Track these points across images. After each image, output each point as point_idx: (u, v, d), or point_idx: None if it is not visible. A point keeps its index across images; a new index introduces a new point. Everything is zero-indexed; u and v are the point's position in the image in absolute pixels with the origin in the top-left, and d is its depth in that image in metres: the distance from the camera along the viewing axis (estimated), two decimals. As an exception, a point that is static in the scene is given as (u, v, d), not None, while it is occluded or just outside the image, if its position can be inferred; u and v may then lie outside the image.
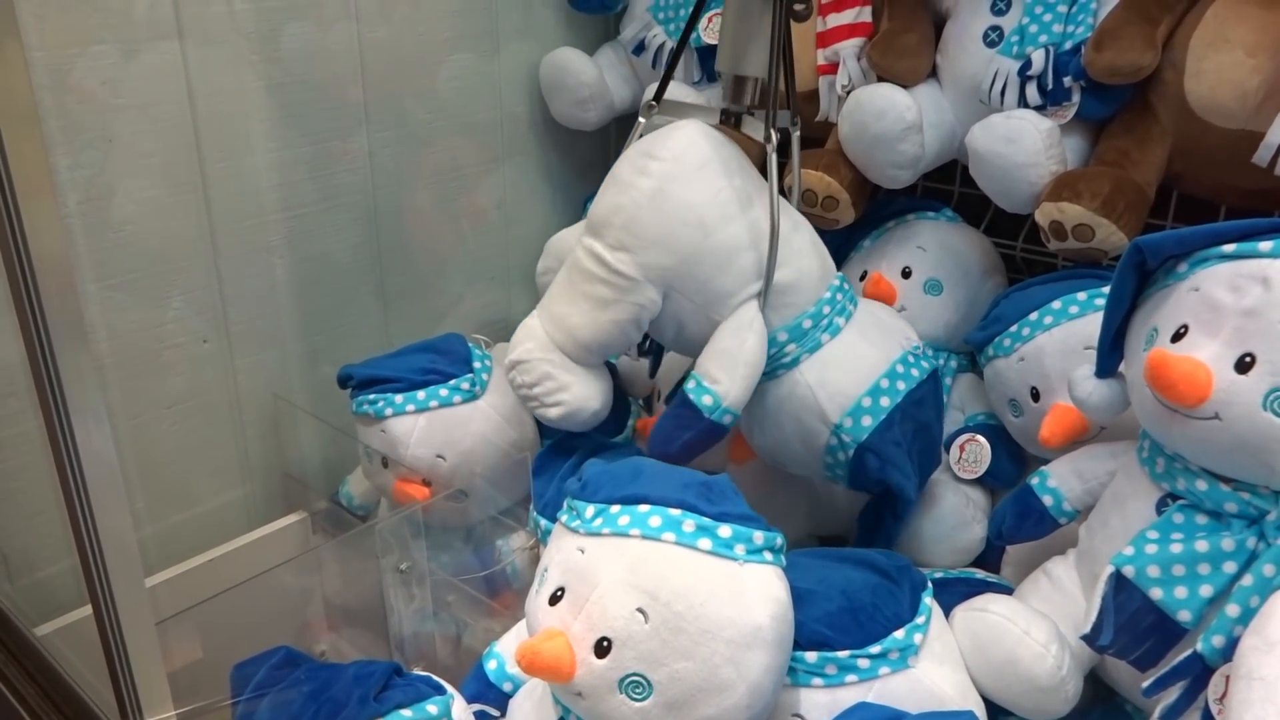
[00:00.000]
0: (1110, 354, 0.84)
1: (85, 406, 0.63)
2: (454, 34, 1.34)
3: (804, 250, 0.98)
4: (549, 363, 0.96)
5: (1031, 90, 1.07)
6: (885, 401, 0.97)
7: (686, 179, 0.93)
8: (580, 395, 0.97)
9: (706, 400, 0.92)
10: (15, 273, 0.60)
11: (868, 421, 0.96)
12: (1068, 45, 1.05)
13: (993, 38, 1.11)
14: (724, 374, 0.92)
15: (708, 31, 1.31)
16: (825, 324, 0.98)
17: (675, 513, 0.71)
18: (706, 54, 1.34)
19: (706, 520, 0.70)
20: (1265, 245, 0.73)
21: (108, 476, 0.64)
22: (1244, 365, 0.71)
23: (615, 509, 0.72)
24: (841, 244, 1.30)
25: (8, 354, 1.02)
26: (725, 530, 0.70)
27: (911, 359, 1.00)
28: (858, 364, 0.98)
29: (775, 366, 0.97)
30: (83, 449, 0.64)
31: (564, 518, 0.77)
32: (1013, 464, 1.10)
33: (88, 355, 0.63)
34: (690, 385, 0.94)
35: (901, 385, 0.98)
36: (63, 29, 1.00)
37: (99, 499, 0.65)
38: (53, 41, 0.99)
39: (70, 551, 1.09)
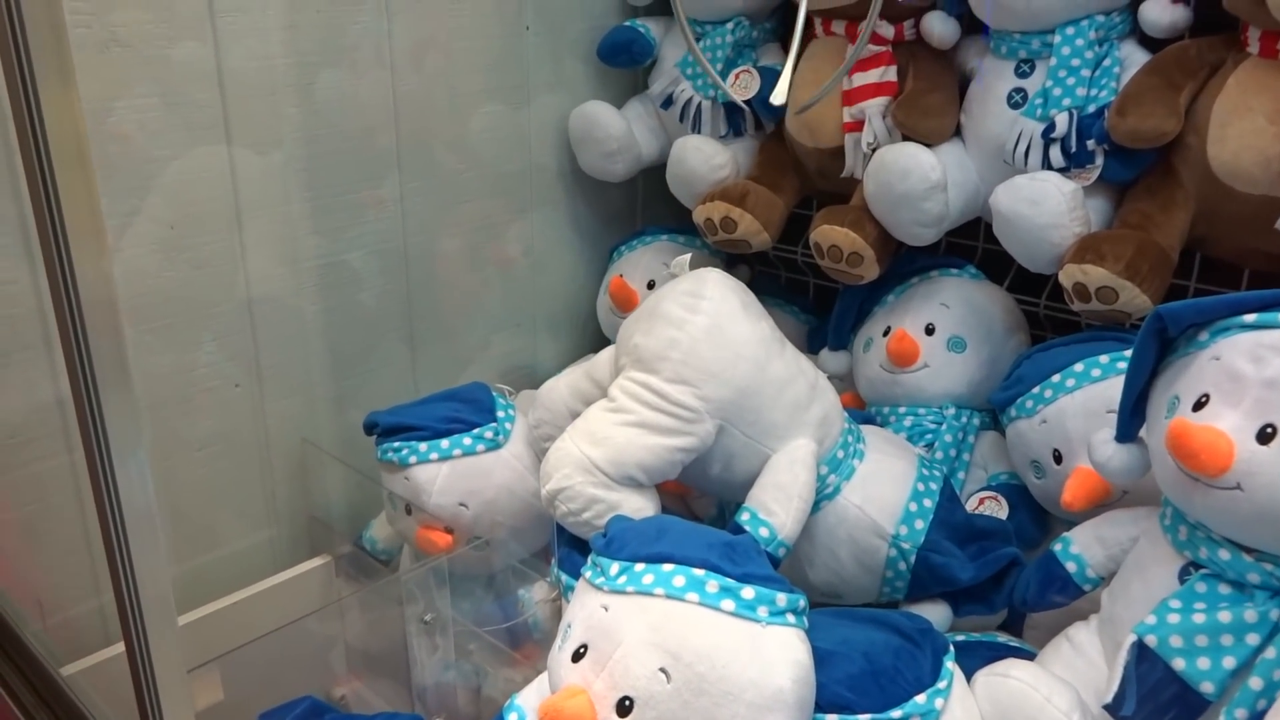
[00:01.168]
0: (1131, 419, 0.85)
1: (127, 448, 0.64)
2: (485, 86, 1.37)
3: (826, 388, 1.05)
4: (593, 484, 0.95)
5: (1055, 152, 1.08)
6: (928, 503, 1.02)
7: (736, 316, 0.98)
8: (635, 508, 0.96)
9: (763, 533, 0.94)
10: (64, 315, 0.61)
11: (920, 525, 1.01)
12: (1091, 109, 1.07)
13: (1017, 99, 1.13)
14: (779, 507, 0.95)
15: (734, 88, 1.34)
16: (853, 451, 1.04)
17: (699, 573, 0.71)
18: (733, 109, 1.37)
19: (730, 581, 0.71)
20: (1287, 316, 0.73)
21: (146, 519, 0.65)
22: (1266, 436, 0.71)
23: (640, 567, 0.73)
24: (866, 299, 1.31)
25: (43, 396, 1.05)
26: (749, 592, 0.71)
27: (927, 463, 1.07)
28: (893, 477, 1.03)
29: (819, 499, 1.01)
30: (123, 491, 0.65)
31: (588, 574, 0.77)
32: (1036, 526, 1.10)
33: (131, 398, 0.64)
34: (745, 518, 0.96)
35: (934, 486, 1.04)
36: (105, 76, 1.02)
37: (137, 541, 0.65)
38: (94, 89, 1.02)
39: (96, 592, 1.12)
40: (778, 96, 1.02)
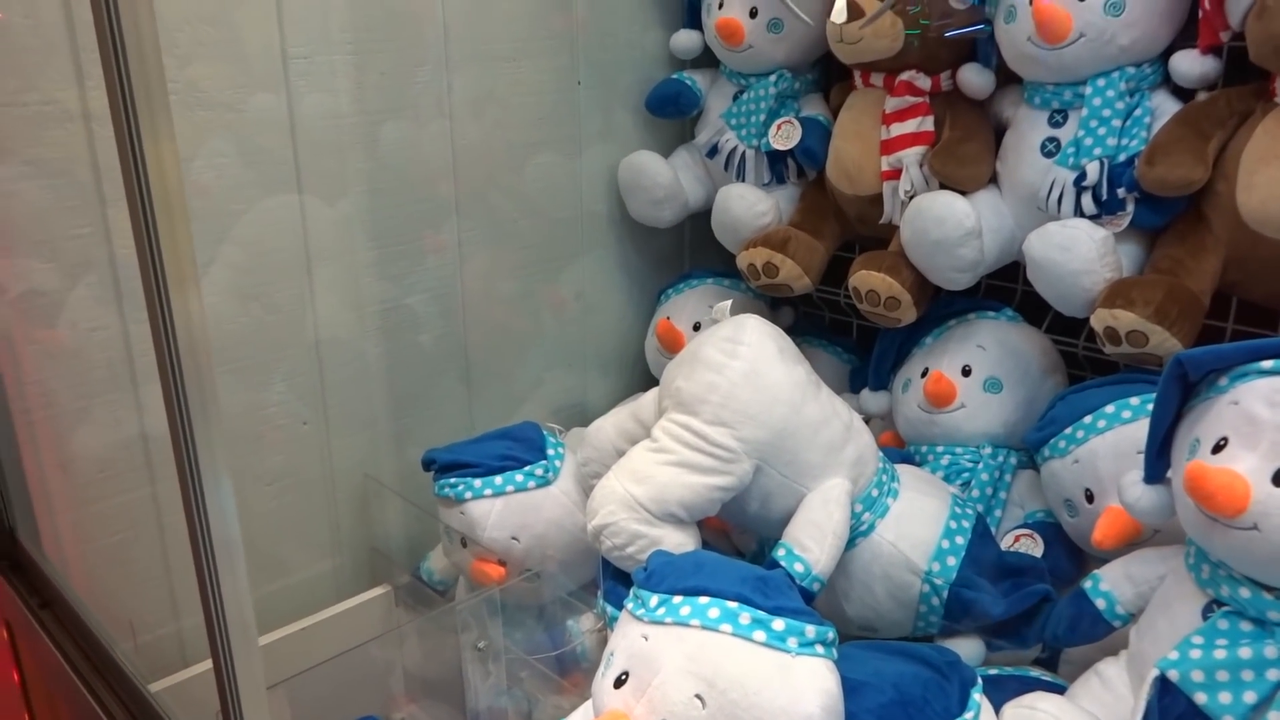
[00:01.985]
0: (1158, 461, 0.87)
1: (215, 477, 0.70)
2: (540, 137, 1.44)
3: (861, 429, 1.08)
4: (636, 520, 0.99)
5: (1087, 200, 1.11)
6: (960, 540, 1.05)
7: (773, 361, 1.03)
8: (676, 543, 1.00)
9: (798, 568, 0.98)
10: (163, 354, 0.67)
11: (952, 561, 1.04)
12: (1122, 158, 1.10)
13: (1050, 148, 1.16)
14: (814, 543, 0.99)
15: (776, 138, 1.39)
16: (887, 490, 1.08)
17: (733, 605, 0.76)
18: (775, 158, 1.42)
19: (762, 613, 0.75)
20: (1303, 363, 0.76)
21: (232, 544, 0.71)
22: (1281, 479, 0.74)
23: (677, 599, 0.78)
24: (905, 341, 1.35)
25: (128, 432, 1.13)
26: (779, 623, 0.75)
27: (960, 501, 1.10)
28: (926, 514, 1.07)
29: (854, 536, 1.05)
30: (212, 516, 0.71)
31: (630, 605, 0.82)
32: (1070, 562, 1.13)
33: (220, 430, 0.70)
34: (781, 554, 1.00)
35: (966, 523, 1.07)
36: (185, 131, 1.10)
37: (224, 563, 0.71)
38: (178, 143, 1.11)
39: (175, 616, 1.19)
40: (838, 15, 1.06)
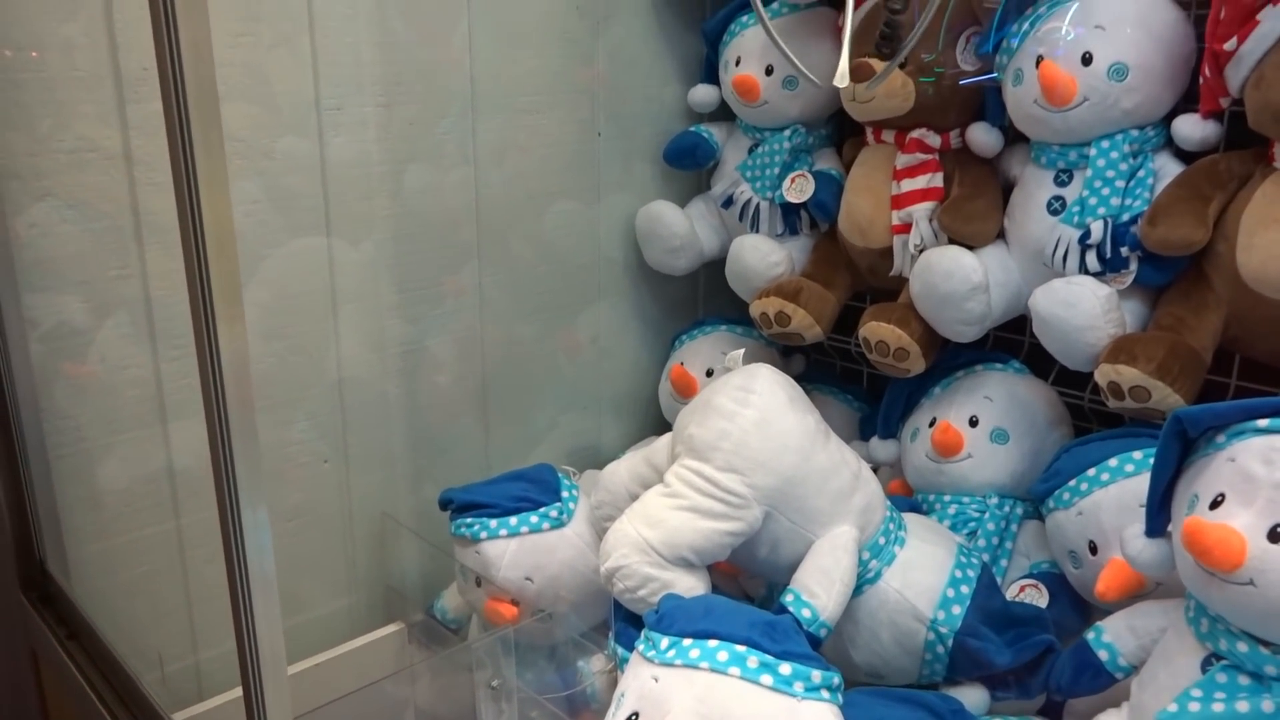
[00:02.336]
0: (1158, 515, 0.89)
1: (254, 508, 0.72)
2: (560, 185, 1.48)
3: (869, 478, 1.11)
4: (648, 563, 1.02)
5: (1091, 258, 1.14)
6: (965, 589, 1.07)
7: (783, 410, 1.05)
8: (686, 587, 1.02)
9: (805, 613, 1.00)
10: (209, 388, 0.70)
11: (958, 610, 1.06)
12: (1125, 217, 1.13)
13: (1055, 206, 1.19)
14: (821, 590, 1.01)
15: (790, 191, 1.43)
16: (894, 538, 1.10)
17: (741, 649, 0.78)
18: (789, 210, 1.46)
19: (769, 657, 0.78)
20: (1297, 422, 0.78)
21: (267, 575, 0.73)
22: (1276, 536, 0.76)
23: (687, 642, 0.80)
24: (914, 391, 1.37)
25: (155, 467, 1.16)
26: (786, 668, 0.77)
27: (966, 550, 1.12)
28: (932, 563, 1.09)
29: (861, 583, 1.07)
30: (249, 548, 0.73)
31: (641, 647, 0.84)
32: (1075, 614, 1.14)
33: (259, 465, 0.73)
34: (789, 599, 1.02)
35: (972, 573, 1.09)
36: None
37: (259, 593, 0.73)
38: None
39: (194, 650, 1.21)
40: (840, 80, 1.08)
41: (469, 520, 1.22)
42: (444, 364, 1.40)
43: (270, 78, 1.17)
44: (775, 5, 1.41)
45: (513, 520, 1.20)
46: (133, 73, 1.07)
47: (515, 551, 1.19)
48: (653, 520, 1.03)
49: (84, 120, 1.05)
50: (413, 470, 1.39)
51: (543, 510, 1.21)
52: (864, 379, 1.60)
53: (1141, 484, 1.03)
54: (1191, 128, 1.12)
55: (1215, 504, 0.81)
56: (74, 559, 1.13)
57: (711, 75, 1.53)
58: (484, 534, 1.20)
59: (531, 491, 1.23)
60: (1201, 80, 1.09)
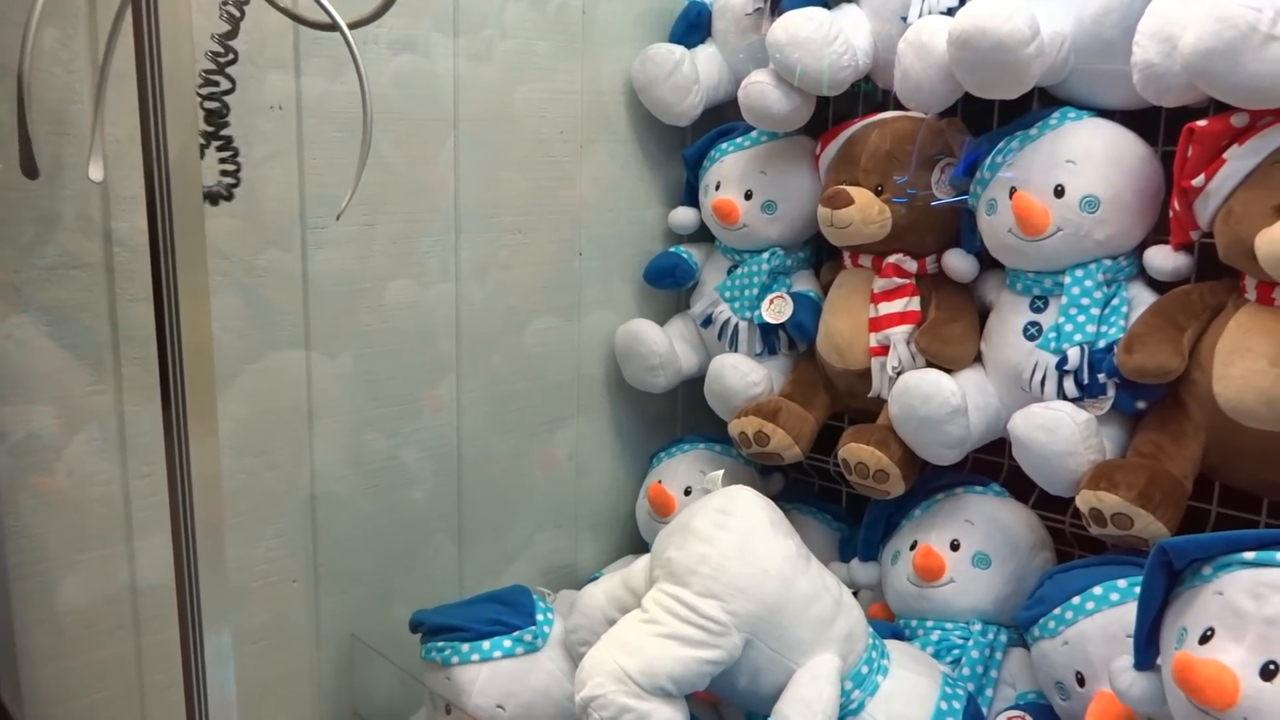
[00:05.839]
0: (1147, 647, 0.88)
1: (217, 632, 0.70)
2: (541, 302, 1.49)
3: (851, 604, 1.10)
4: (624, 693, 0.99)
5: (1069, 383, 1.15)
6: None
7: (764, 534, 1.05)
8: (665, 718, 0.99)
9: None
10: (177, 504, 0.68)
11: None
12: (1102, 344, 1.14)
13: (1032, 332, 1.21)
14: None
15: (769, 311, 1.44)
16: (877, 667, 1.08)
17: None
18: (768, 330, 1.47)
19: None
20: (1283, 556, 0.78)
21: (227, 699, 0.70)
22: (1269, 673, 0.75)
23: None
24: (894, 513, 1.36)
25: (117, 585, 1.12)
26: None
27: (950, 681, 1.10)
28: (917, 694, 1.07)
29: (844, 715, 1.05)
30: (210, 673, 0.69)
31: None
32: (1064, 747, 1.11)
33: (226, 586, 0.70)
34: None
35: (957, 704, 1.07)
36: None
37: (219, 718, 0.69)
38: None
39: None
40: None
41: (440, 644, 1.18)
42: (419, 479, 1.38)
43: (257, 193, 1.18)
44: (755, 134, 1.46)
45: (485, 645, 1.17)
46: (119, 190, 1.07)
47: (488, 678, 1.16)
48: (630, 648, 1.00)
49: (68, 233, 1.05)
50: (384, 590, 1.35)
51: (516, 634, 1.18)
52: (843, 499, 1.59)
53: (1128, 613, 1.02)
54: (1163, 259, 1.15)
55: (1205, 639, 0.79)
56: (27, 682, 1.08)
57: (692, 198, 1.56)
58: (455, 659, 1.16)
59: (505, 614, 1.20)
60: (1171, 214, 1.12)
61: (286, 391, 1.23)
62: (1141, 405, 1.15)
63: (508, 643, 1.17)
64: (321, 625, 1.29)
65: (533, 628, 1.19)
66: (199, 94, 0.87)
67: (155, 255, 0.64)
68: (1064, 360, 1.15)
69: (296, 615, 1.27)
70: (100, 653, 1.12)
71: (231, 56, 0.94)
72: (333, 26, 0.90)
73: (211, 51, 0.93)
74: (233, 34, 0.93)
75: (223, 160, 0.98)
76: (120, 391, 1.10)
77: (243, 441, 1.20)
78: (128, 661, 1.14)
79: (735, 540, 1.02)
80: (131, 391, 1.11)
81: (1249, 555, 0.80)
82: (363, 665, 1.32)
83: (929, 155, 1.28)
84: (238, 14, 0.93)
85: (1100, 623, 1.04)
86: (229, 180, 0.98)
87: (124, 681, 1.14)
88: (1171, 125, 1.13)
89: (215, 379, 0.69)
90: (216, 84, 0.93)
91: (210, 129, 0.94)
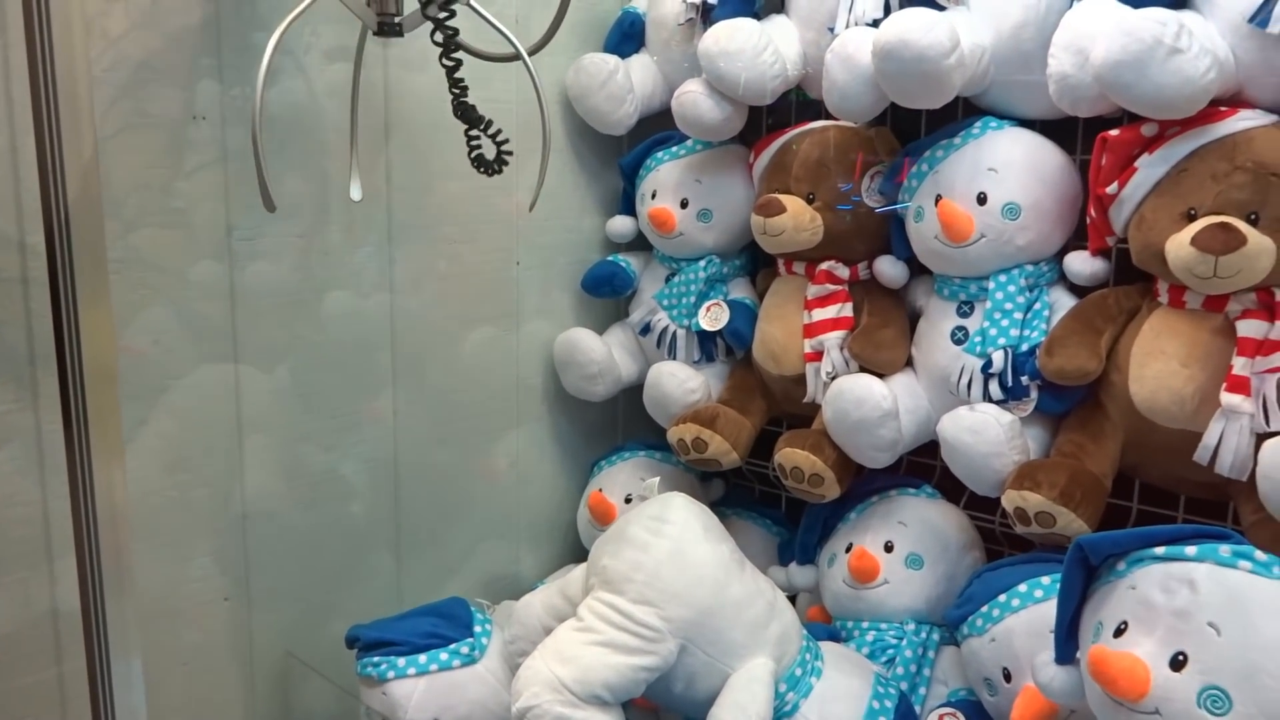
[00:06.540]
0: (1067, 642, 0.90)
1: (126, 659, 0.68)
2: (479, 312, 1.48)
3: (785, 607, 1.11)
4: (560, 702, 0.99)
5: (994, 386, 1.18)
6: None
7: (698, 540, 1.06)
8: None
9: None
10: (80, 525, 0.67)
11: None
12: (1025, 347, 1.17)
13: (959, 336, 1.23)
14: None
15: (705, 319, 1.45)
16: (810, 669, 1.09)
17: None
18: (705, 337, 1.48)
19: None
20: (1191, 550, 0.80)
21: None
22: (1177, 664, 0.77)
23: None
24: (830, 516, 1.38)
25: (38, 609, 1.09)
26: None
27: (883, 680, 1.12)
28: (849, 694, 1.08)
29: (778, 716, 1.06)
30: (118, 698, 0.68)
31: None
32: (995, 742, 1.13)
33: (133, 607, 0.69)
34: None
35: (889, 703, 1.08)
36: (123, 293, 1.11)
37: None
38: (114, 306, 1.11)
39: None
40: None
41: (376, 659, 1.17)
42: (356, 492, 1.37)
43: (181, 199, 1.16)
44: (690, 143, 1.47)
45: (421, 658, 1.16)
46: (31, 204, 1.05)
47: (424, 691, 1.15)
48: (565, 656, 1.00)
49: (-16, 247, 1.03)
50: (320, 605, 1.34)
51: (454, 647, 1.18)
52: (783, 503, 1.60)
53: (1051, 609, 1.03)
54: (1082, 264, 1.18)
55: (1119, 632, 0.82)
56: (-57, 710, 1.06)
57: (629, 207, 1.57)
58: (391, 673, 1.16)
59: (442, 627, 1.19)
60: (1088, 221, 1.15)
61: (217, 405, 1.22)
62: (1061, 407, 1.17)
63: (444, 655, 1.17)
64: (256, 643, 1.27)
65: (470, 640, 1.19)
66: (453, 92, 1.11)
67: (54, 274, 0.63)
68: (989, 364, 1.18)
69: (229, 634, 1.25)
70: (24, 679, 1.09)
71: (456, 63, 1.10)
72: (515, 57, 1.13)
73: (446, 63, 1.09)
74: (452, 43, 1.09)
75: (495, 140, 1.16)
76: (38, 410, 1.08)
77: (172, 458, 1.18)
78: (49, 686, 1.11)
79: (669, 547, 1.03)
80: (50, 409, 1.08)
81: (1160, 550, 0.82)
82: (298, 683, 1.31)
83: (858, 163, 1.30)
84: (450, 30, 1.08)
85: (1025, 619, 1.07)
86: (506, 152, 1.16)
87: (47, 707, 1.11)
88: (1089, 135, 1.16)
89: (119, 400, 0.67)
90: (466, 89, 1.13)
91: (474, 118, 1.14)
